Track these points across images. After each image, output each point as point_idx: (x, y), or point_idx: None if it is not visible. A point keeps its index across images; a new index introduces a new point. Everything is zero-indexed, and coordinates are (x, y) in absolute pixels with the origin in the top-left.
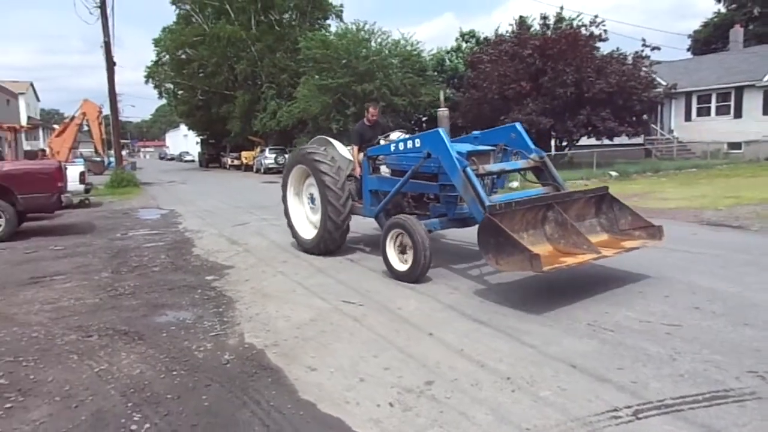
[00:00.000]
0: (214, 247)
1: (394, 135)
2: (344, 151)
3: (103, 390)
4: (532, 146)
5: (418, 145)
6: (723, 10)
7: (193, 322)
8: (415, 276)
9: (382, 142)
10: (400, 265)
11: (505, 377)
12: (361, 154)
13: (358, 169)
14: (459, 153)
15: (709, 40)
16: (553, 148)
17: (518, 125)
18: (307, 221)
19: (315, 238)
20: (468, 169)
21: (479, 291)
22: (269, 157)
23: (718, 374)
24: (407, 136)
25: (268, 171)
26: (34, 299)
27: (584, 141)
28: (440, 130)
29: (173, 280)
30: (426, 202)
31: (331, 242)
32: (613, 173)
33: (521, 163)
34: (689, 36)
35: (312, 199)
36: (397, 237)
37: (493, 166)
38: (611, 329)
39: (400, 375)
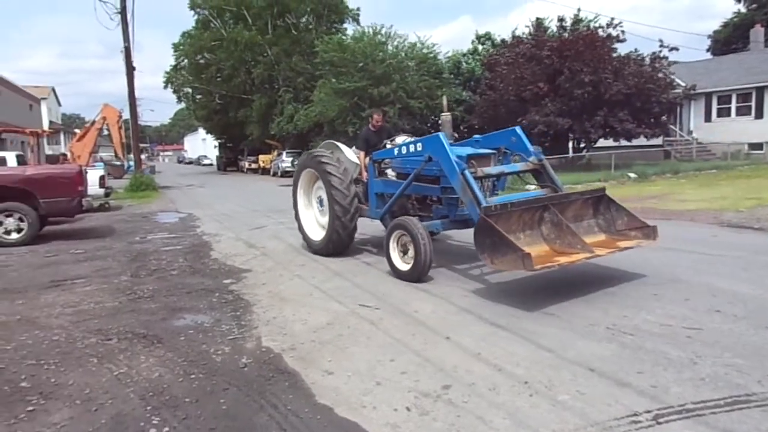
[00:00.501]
0: (231, 251)
1: (399, 139)
2: (351, 154)
3: (123, 393)
4: (531, 149)
5: (419, 149)
6: (743, 10)
7: (211, 325)
8: (416, 275)
9: (388, 146)
10: (403, 265)
11: (523, 381)
12: (367, 159)
13: (364, 173)
14: (459, 156)
15: (729, 40)
16: (570, 150)
17: (518, 129)
18: (316, 223)
19: (323, 239)
20: (466, 172)
21: (494, 294)
22: (286, 161)
23: (740, 378)
24: (411, 140)
25: (285, 174)
26: (55, 302)
27: (602, 143)
28: (440, 134)
29: (191, 284)
30: (429, 204)
31: (338, 242)
32: (632, 175)
33: (520, 166)
34: (709, 36)
35: (321, 202)
36: (399, 238)
37: (492, 169)
38: (630, 333)
39: (417, 379)
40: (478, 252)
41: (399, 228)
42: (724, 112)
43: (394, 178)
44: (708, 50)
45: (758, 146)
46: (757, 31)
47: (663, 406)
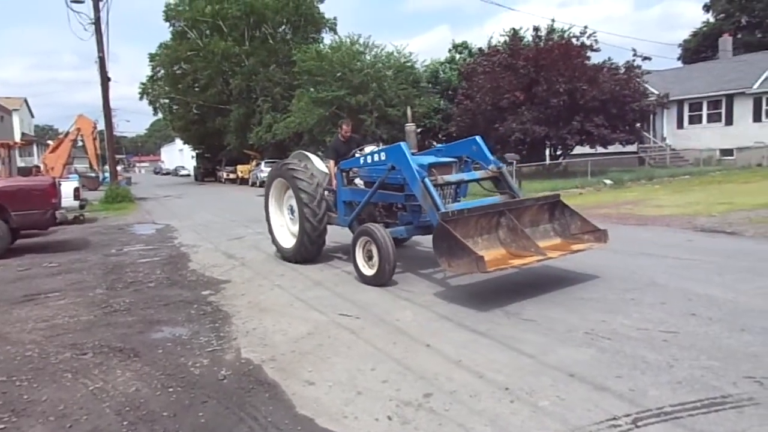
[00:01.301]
0: (210, 262)
1: (368, 149)
2: (321, 164)
3: (98, 409)
4: (491, 158)
5: (383, 158)
6: (711, 19)
7: (189, 337)
8: (381, 280)
9: (358, 155)
10: (368, 270)
11: (504, 388)
12: (336, 168)
13: (334, 182)
14: (420, 165)
15: (698, 49)
16: (547, 158)
17: (478, 138)
18: (287, 231)
19: (294, 246)
20: (426, 180)
21: (474, 301)
22: (265, 170)
23: (716, 380)
24: (378, 149)
25: (264, 184)
26: (27, 317)
27: (578, 150)
28: (402, 144)
29: (169, 296)
30: (395, 211)
31: (308, 250)
32: (608, 181)
33: (479, 174)
34: (679, 45)
35: (292, 210)
36: (364, 244)
37: (451, 177)
38: (608, 337)
39: (398, 388)
40: (436, 256)
41: (364, 234)
42: (695, 120)
43: (362, 187)
44: (679, 59)
45: (729, 152)
46: (726, 40)
47: (641, 409)
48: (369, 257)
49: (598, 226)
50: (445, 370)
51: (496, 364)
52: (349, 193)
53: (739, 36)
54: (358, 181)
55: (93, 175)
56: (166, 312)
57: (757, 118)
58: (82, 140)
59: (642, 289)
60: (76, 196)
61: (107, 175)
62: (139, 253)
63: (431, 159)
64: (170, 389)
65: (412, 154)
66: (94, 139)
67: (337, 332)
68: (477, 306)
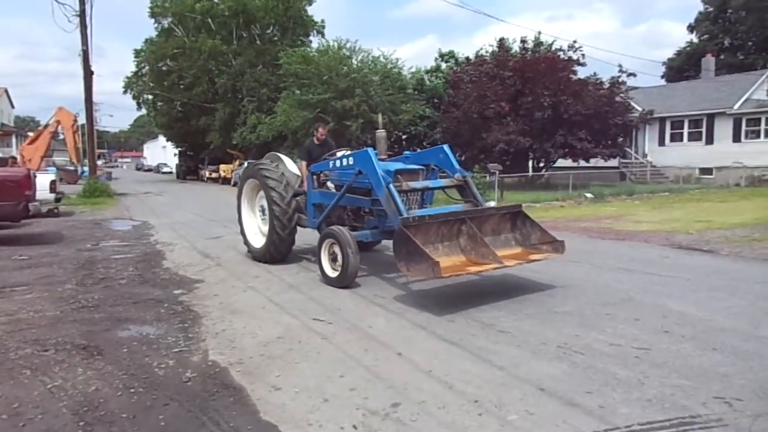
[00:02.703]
0: (185, 261)
1: (340, 153)
2: (293, 166)
3: (55, 408)
4: (457, 167)
5: (351, 162)
6: (695, 39)
7: (156, 337)
8: (343, 282)
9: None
10: (332, 272)
11: (473, 400)
12: (308, 170)
13: (305, 184)
14: (387, 171)
15: (681, 68)
16: (530, 169)
17: (446, 147)
18: (258, 231)
19: (263, 246)
20: (391, 186)
21: (449, 310)
22: None
23: (686, 400)
24: (348, 153)
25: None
26: None
27: (561, 163)
28: (369, 150)
29: (139, 294)
30: (363, 215)
31: (276, 253)
32: (589, 195)
33: (445, 182)
34: (663, 63)
35: (263, 211)
36: (329, 246)
37: (416, 183)
38: (581, 352)
39: (365, 396)
40: (396, 260)
41: (329, 237)
42: (677, 137)
43: (333, 190)
44: (662, 76)
45: (708, 171)
46: (709, 60)
47: (610, 427)
48: (333, 259)
49: (567, 238)
50: (415, 379)
51: (467, 375)
52: (319, 195)
53: (722, 57)
54: (329, 184)
55: (72, 168)
56: (135, 310)
57: (736, 138)
58: (63, 133)
59: (618, 304)
60: (52, 189)
61: (87, 169)
62: (114, 249)
63: (399, 165)
64: (132, 390)
65: (381, 160)
66: (75, 132)
67: (308, 337)
68: (451, 315)
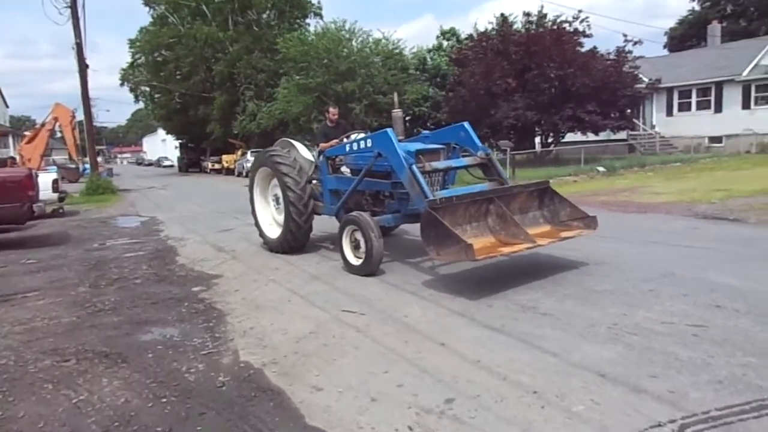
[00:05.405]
0: (199, 255)
1: (354, 136)
2: (306, 153)
3: (83, 425)
4: (479, 144)
5: (369, 145)
6: (697, 8)
7: (181, 339)
8: (368, 269)
9: (344, 142)
10: (355, 260)
11: (531, 391)
12: (322, 155)
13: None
14: (407, 152)
15: (684, 37)
16: (537, 145)
17: (466, 124)
18: (272, 221)
19: (279, 236)
20: (413, 167)
21: (483, 293)
22: (251, 160)
23: (759, 380)
24: (363, 136)
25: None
26: (3, 320)
27: (568, 137)
28: (389, 130)
29: (157, 293)
30: (382, 199)
31: (293, 241)
32: (601, 168)
33: (468, 160)
34: (665, 33)
35: (277, 200)
36: (351, 233)
37: (439, 164)
38: (634, 332)
39: (415, 393)
40: (424, 244)
41: (350, 223)
42: (684, 107)
43: (348, 175)
44: (665, 46)
45: (718, 139)
46: (714, 27)
47: (686, 414)
48: (356, 246)
49: (589, 213)
50: (465, 371)
51: (518, 364)
52: (335, 181)
53: (725, 24)
54: (344, 169)
55: (73, 166)
56: (154, 311)
57: (746, 105)
58: (60, 130)
59: (658, 280)
60: (55, 188)
61: (88, 166)
62: (124, 247)
63: (418, 146)
64: (163, 399)
65: (399, 140)
66: (73, 128)
67: (341, 330)
68: (487, 299)
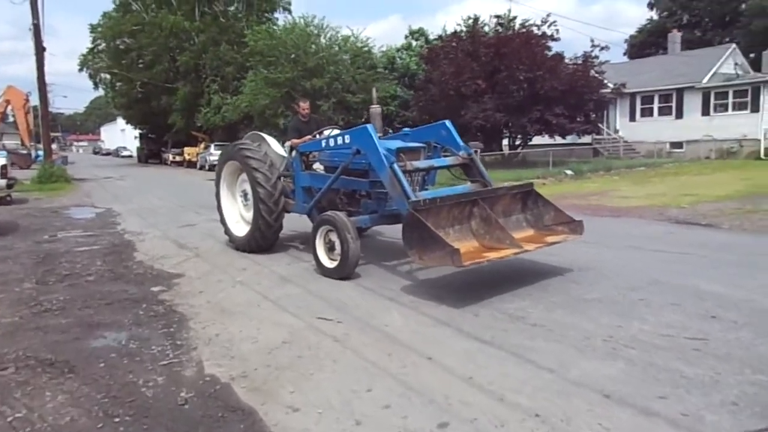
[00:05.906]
0: (159, 252)
1: (327, 132)
2: (278, 147)
3: None
4: (461, 143)
5: (347, 141)
6: (655, 17)
7: (138, 346)
8: (343, 272)
9: (317, 138)
10: (329, 262)
11: (533, 414)
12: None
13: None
14: (388, 150)
15: (644, 45)
16: (506, 148)
17: (448, 123)
18: (239, 217)
19: (247, 234)
20: (395, 166)
21: (468, 301)
22: (215, 154)
23: None
24: (339, 132)
25: (213, 168)
26: None
27: (536, 140)
28: (369, 126)
29: (112, 292)
30: (358, 198)
31: (262, 240)
32: (569, 172)
33: (450, 160)
34: (625, 41)
35: (245, 196)
36: (325, 234)
37: (421, 163)
38: (631, 346)
39: (404, 415)
40: (406, 248)
41: (325, 223)
42: (647, 112)
43: (321, 172)
44: (624, 54)
45: (679, 145)
46: (675, 35)
47: None
48: (330, 248)
49: (572, 217)
50: (456, 390)
51: (514, 382)
52: (309, 178)
53: (681, 34)
54: (317, 165)
55: (24, 152)
56: (108, 313)
57: (705, 111)
58: (13, 114)
59: (646, 288)
60: (4, 174)
61: (41, 153)
62: (77, 240)
63: (399, 143)
64: (116, 419)
65: (378, 137)
66: (26, 112)
67: (317, 340)
68: (472, 307)
